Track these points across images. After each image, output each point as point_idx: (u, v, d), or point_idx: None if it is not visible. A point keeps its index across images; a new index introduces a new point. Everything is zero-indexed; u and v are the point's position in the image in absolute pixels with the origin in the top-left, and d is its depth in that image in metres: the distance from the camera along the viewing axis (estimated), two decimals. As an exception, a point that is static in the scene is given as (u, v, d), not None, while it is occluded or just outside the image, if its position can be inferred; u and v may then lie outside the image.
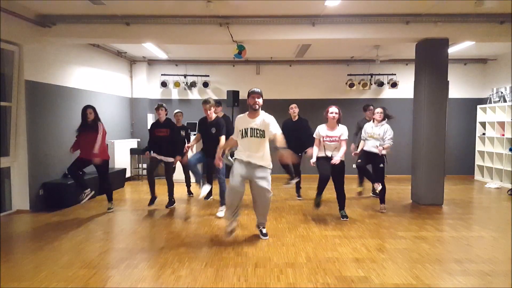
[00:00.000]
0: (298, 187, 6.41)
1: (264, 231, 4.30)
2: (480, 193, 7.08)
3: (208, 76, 9.12)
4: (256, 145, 3.99)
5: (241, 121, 4.08)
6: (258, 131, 3.97)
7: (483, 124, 8.63)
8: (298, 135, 5.90)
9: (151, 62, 9.22)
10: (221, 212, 5.15)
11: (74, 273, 3.26)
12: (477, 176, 8.74)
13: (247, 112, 4.09)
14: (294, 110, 6.12)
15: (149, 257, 3.65)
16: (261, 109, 4.06)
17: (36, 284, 3.04)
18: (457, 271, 3.31)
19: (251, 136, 3.98)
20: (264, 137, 3.99)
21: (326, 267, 3.39)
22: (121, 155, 7.91)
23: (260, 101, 3.99)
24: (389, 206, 5.85)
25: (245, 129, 4.00)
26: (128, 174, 8.08)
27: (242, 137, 4.03)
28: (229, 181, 4.09)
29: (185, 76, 9.09)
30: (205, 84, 8.96)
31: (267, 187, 4.01)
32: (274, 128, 3.96)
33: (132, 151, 8.46)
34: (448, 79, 5.96)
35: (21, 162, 5.40)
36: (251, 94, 3.99)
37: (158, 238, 4.25)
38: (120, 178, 7.40)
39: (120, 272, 3.27)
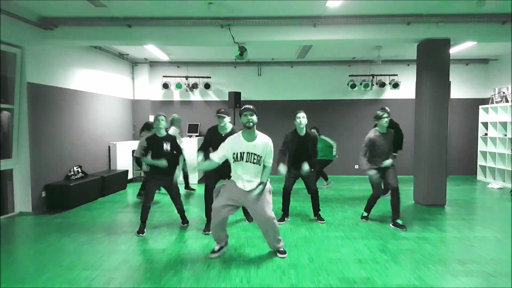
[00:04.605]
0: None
1: (281, 249, 3.75)
2: (482, 193, 7.05)
3: (210, 77, 9.14)
4: (252, 170, 3.53)
5: (236, 143, 3.51)
6: (255, 157, 3.49)
7: (485, 124, 8.60)
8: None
9: (153, 64, 9.25)
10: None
11: (76, 274, 3.26)
12: (480, 176, 8.70)
13: (240, 132, 3.56)
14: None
15: (151, 258, 3.65)
16: (258, 118, 3.54)
17: (39, 286, 3.04)
18: (460, 272, 3.30)
19: (246, 161, 3.50)
20: (260, 164, 3.53)
21: (328, 268, 3.39)
22: (123, 157, 7.93)
23: (254, 118, 3.44)
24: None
25: (240, 152, 3.48)
26: (130, 176, 8.08)
27: (235, 161, 3.53)
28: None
29: (186, 77, 9.11)
30: (207, 86, 8.98)
31: (269, 214, 3.52)
32: (271, 158, 3.60)
33: (134, 153, 8.43)
34: (450, 80, 5.95)
35: (24, 164, 5.42)
36: (243, 111, 3.46)
37: (160, 240, 4.25)
38: (122, 180, 7.42)
39: (123, 274, 3.28)
